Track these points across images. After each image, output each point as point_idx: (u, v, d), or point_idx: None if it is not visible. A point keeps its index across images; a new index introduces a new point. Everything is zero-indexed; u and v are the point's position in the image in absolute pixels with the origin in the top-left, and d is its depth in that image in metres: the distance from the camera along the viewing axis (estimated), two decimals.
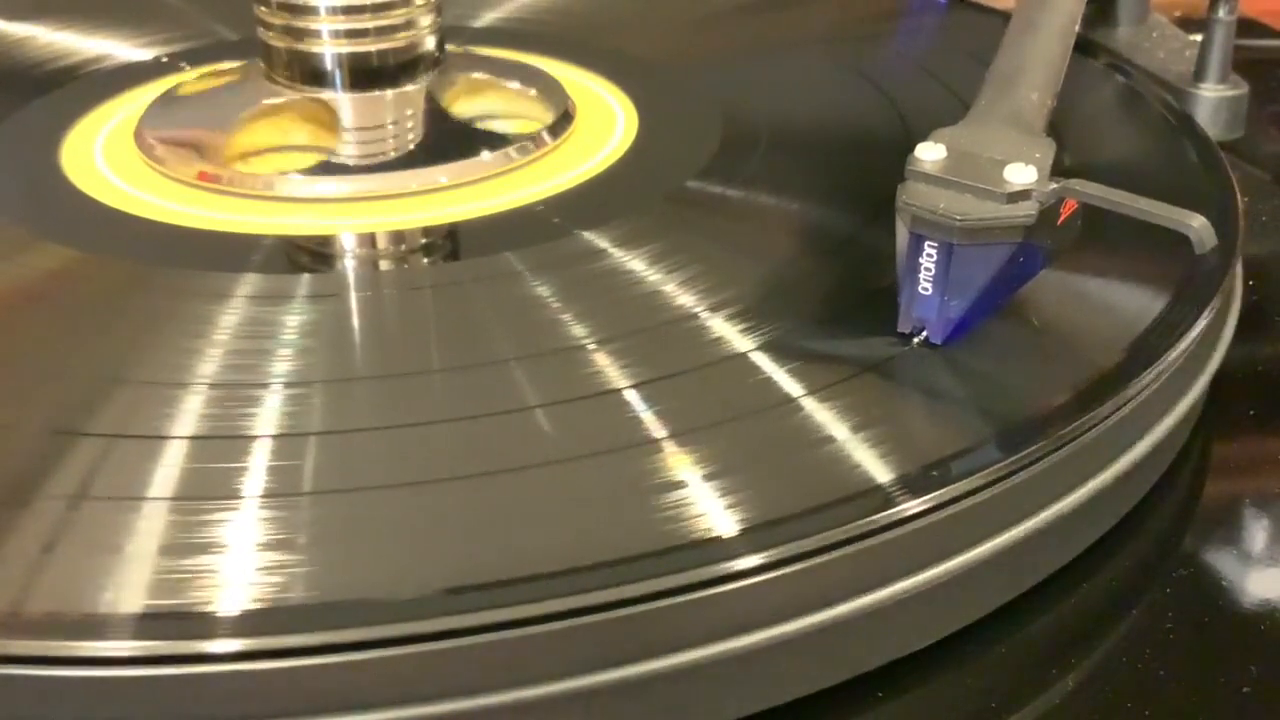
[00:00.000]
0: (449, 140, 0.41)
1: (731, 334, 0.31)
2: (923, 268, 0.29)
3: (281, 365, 0.30)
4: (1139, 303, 0.32)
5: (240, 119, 0.41)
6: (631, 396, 0.29)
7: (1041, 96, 0.33)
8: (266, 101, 0.41)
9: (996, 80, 0.34)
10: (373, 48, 0.40)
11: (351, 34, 0.40)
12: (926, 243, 0.29)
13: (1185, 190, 0.36)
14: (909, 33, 0.52)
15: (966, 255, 0.29)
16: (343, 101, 0.40)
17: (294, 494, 0.26)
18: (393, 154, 0.40)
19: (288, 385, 0.29)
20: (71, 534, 0.25)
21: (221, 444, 0.27)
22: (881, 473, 0.26)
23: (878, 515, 0.25)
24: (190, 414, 0.28)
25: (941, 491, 0.26)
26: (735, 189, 0.38)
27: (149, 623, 0.23)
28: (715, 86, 0.44)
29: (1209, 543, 0.31)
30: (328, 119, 0.40)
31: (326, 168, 0.39)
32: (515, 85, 0.44)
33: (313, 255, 0.36)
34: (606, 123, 0.42)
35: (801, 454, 0.27)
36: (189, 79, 0.45)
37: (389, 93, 0.41)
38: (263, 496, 0.26)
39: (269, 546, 0.25)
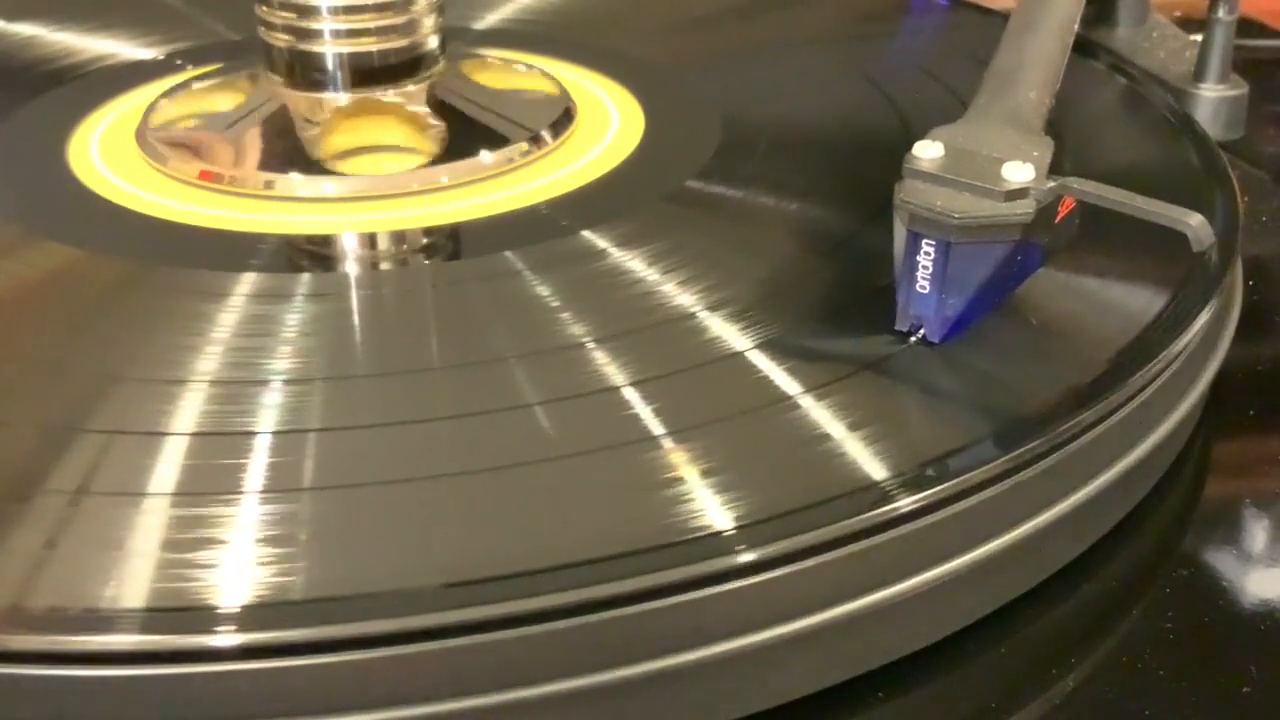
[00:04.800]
0: (450, 140, 0.41)
1: (730, 332, 0.31)
2: (920, 266, 0.29)
3: (283, 363, 0.30)
4: (1139, 302, 0.32)
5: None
6: (631, 394, 0.29)
7: (1040, 95, 0.33)
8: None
9: (995, 79, 0.34)
10: (374, 48, 0.40)
11: (353, 34, 0.40)
12: (924, 241, 0.29)
13: (1185, 190, 0.36)
14: (909, 33, 0.52)
15: (964, 253, 0.29)
16: (344, 101, 0.40)
17: (295, 490, 0.26)
18: None
19: (289, 383, 0.29)
20: (73, 529, 0.25)
21: (222, 440, 0.27)
22: (880, 471, 0.26)
23: (877, 513, 0.25)
24: (191, 411, 0.28)
25: (940, 490, 0.26)
26: (735, 189, 0.38)
27: (150, 617, 0.23)
28: (715, 86, 0.44)
29: (1209, 543, 0.31)
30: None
31: (327, 167, 0.39)
32: (514, 86, 0.44)
33: (313, 255, 0.36)
34: (606, 123, 0.42)
35: (800, 452, 0.27)
36: (190, 78, 0.45)
37: (390, 93, 0.41)
38: (263, 492, 0.26)
39: (270, 542, 0.25)
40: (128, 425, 0.28)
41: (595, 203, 0.37)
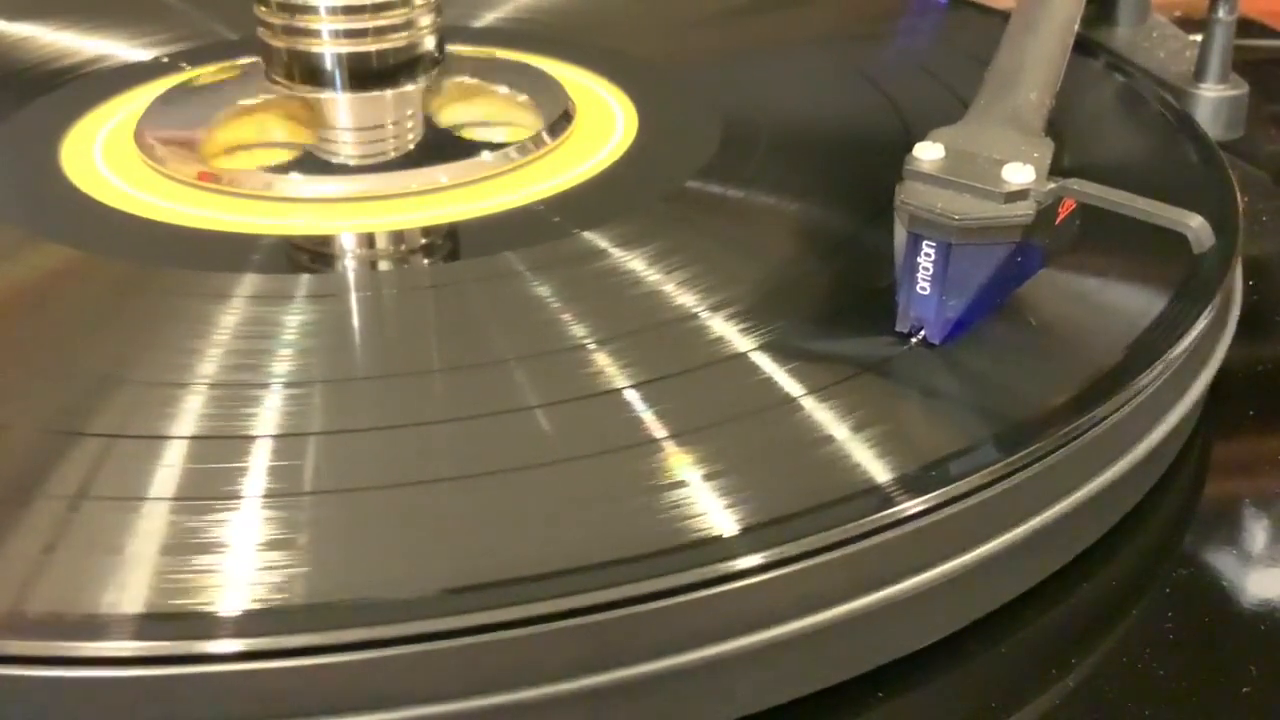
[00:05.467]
0: (449, 140, 0.41)
1: (731, 334, 0.31)
2: (921, 267, 0.29)
3: (282, 365, 0.30)
4: (1139, 303, 0.32)
5: (218, 118, 0.41)
6: (631, 396, 0.29)
7: (1040, 96, 0.33)
8: (242, 102, 0.41)
9: (995, 80, 0.34)
10: (372, 48, 0.40)
11: (351, 34, 0.40)
12: (924, 242, 0.29)
13: (1185, 190, 0.36)
14: (909, 33, 0.52)
15: (964, 255, 0.29)
16: (342, 101, 0.40)
17: (294, 494, 0.26)
18: (393, 154, 0.40)
19: (288, 385, 0.29)
20: (72, 534, 0.25)
21: (221, 444, 0.27)
22: (881, 473, 0.26)
23: (877, 515, 0.25)
24: (190, 414, 0.28)
25: (941, 492, 0.26)
26: (735, 189, 0.38)
27: (149, 623, 0.23)
28: (715, 86, 0.44)
29: (1209, 543, 0.31)
30: (306, 116, 0.40)
31: (326, 168, 0.39)
32: (514, 86, 0.44)
33: (313, 255, 0.36)
34: (606, 123, 0.42)
35: (801, 454, 0.27)
36: (190, 78, 0.45)
37: (389, 93, 0.41)
38: (263, 497, 0.26)
39: (269, 546, 0.25)
40: (127, 429, 0.28)
41: (595, 203, 0.37)
